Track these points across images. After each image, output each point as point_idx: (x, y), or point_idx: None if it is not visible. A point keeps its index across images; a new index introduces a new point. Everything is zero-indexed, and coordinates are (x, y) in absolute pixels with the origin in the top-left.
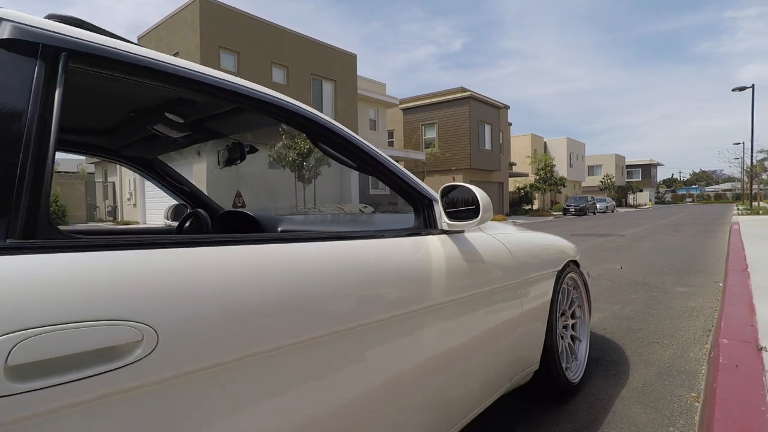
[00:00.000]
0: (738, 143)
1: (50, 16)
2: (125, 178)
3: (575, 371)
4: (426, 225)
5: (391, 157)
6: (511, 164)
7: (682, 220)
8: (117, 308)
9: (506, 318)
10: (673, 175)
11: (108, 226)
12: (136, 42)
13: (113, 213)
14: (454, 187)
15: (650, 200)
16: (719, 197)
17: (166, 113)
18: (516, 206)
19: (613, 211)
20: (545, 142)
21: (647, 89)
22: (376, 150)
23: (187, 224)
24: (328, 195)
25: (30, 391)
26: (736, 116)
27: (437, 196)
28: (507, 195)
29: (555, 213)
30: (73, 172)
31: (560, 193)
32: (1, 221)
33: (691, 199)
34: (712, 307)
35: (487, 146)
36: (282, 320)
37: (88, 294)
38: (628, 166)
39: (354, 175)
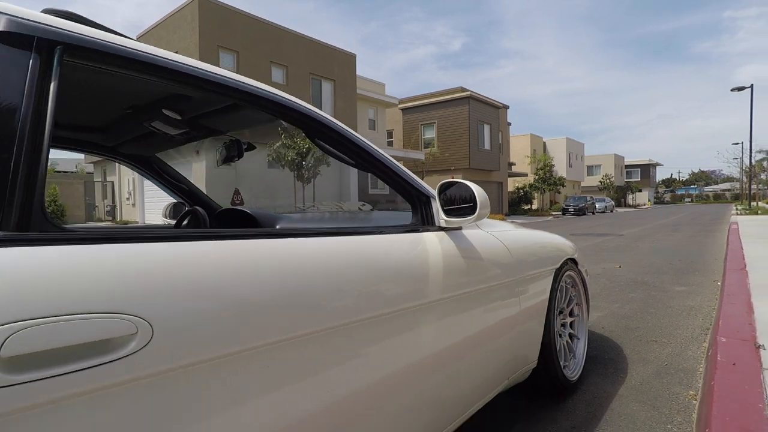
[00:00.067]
0: (737, 143)
1: (46, 11)
2: (124, 177)
3: (573, 369)
4: (423, 222)
5: (390, 157)
6: (511, 164)
7: (681, 220)
8: (111, 301)
9: (504, 315)
10: (672, 175)
11: (107, 225)
12: (133, 39)
13: (112, 213)
14: (451, 184)
15: (649, 200)
16: (718, 197)
17: (163, 110)
18: (515, 206)
19: (612, 211)
20: (544, 142)
21: (647, 89)
22: (373, 146)
23: (185, 222)
24: (328, 194)
25: (23, 383)
26: (735, 116)
27: (434, 192)
28: (506, 195)
29: (554, 213)
30: (72, 172)
31: (559, 193)
32: None
33: (690, 199)
34: (711, 305)
35: (487, 146)
36: (278, 315)
37: (82, 286)
38: (627, 166)
39: (353, 175)
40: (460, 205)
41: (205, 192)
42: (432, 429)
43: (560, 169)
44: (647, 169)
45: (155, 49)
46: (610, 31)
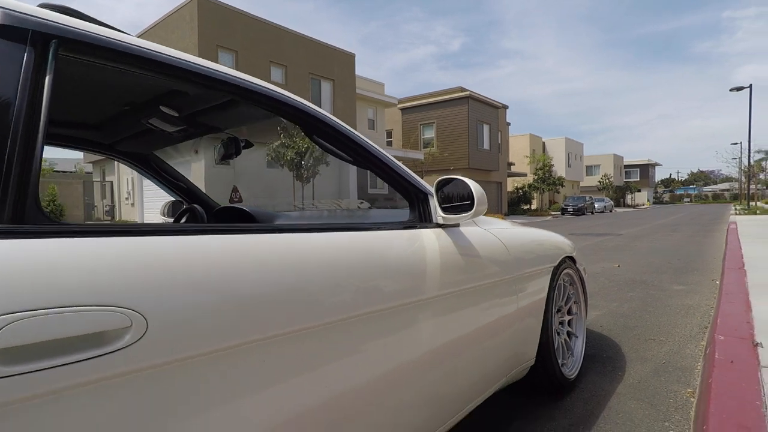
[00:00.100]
0: (735, 143)
1: (42, 5)
2: (123, 177)
3: (571, 367)
4: (421, 219)
5: (388, 154)
6: (510, 164)
7: (680, 220)
8: (104, 294)
9: (501, 313)
10: (671, 175)
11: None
12: (129, 34)
13: (111, 212)
14: (449, 181)
15: (648, 200)
16: (717, 197)
17: (160, 106)
18: (514, 206)
19: (611, 211)
20: (544, 142)
21: (646, 89)
22: (370, 143)
23: (183, 219)
24: (327, 194)
25: (17, 374)
26: (735, 116)
27: (432, 190)
28: (505, 195)
29: (553, 213)
30: (71, 172)
31: (558, 192)
32: None
33: (689, 199)
34: (709, 304)
35: (486, 146)
36: (275, 309)
37: (75, 279)
38: (626, 166)
39: (352, 174)
40: (458, 202)
41: (203, 191)
42: (430, 425)
43: (559, 169)
44: (646, 169)
45: (150, 43)
46: (610, 31)
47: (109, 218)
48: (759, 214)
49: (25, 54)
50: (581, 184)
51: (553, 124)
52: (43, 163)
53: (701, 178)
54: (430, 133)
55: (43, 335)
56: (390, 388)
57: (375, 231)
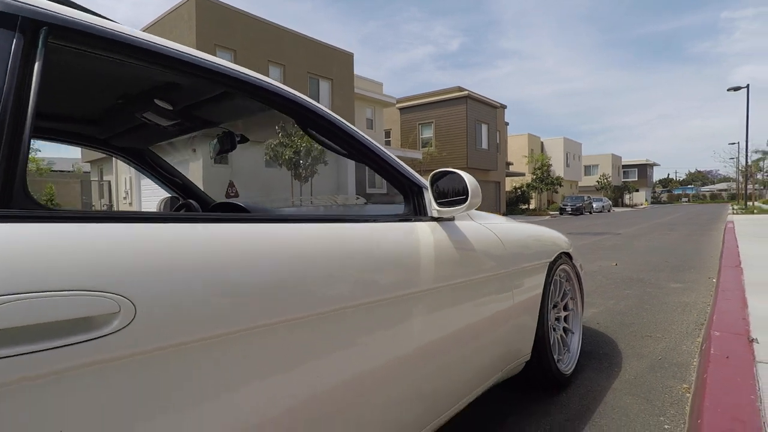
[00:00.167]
0: (733, 143)
1: None
2: (121, 176)
3: (568, 363)
4: (416, 212)
5: (382, 147)
6: (508, 164)
7: (678, 219)
8: (92, 279)
9: (496, 307)
10: (669, 175)
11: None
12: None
13: None
14: (443, 174)
15: (646, 200)
16: (715, 197)
17: (154, 100)
18: (513, 206)
19: (609, 211)
20: (542, 142)
21: (645, 89)
22: (365, 136)
23: None
24: (325, 192)
25: (3, 357)
26: (735, 116)
27: (427, 183)
28: (504, 194)
29: (552, 212)
30: (69, 171)
31: (557, 192)
32: None
33: (687, 199)
34: (706, 302)
35: (484, 146)
36: (267, 299)
37: (63, 264)
38: (624, 166)
39: (351, 173)
40: (453, 197)
41: (200, 188)
42: (423, 420)
43: (558, 169)
44: (644, 169)
45: (143, 33)
46: (609, 31)
47: None
48: (756, 213)
49: (14, 40)
50: (579, 184)
51: (552, 124)
52: (40, 162)
53: (699, 178)
54: (428, 133)
55: (28, 319)
56: (383, 381)
57: (369, 223)
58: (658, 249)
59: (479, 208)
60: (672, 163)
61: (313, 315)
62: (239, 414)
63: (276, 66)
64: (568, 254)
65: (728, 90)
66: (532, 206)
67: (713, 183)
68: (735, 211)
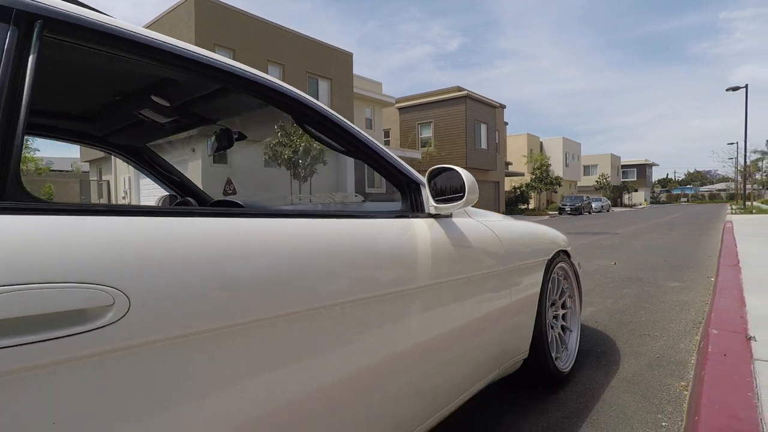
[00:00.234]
0: (732, 143)
1: None
2: (120, 176)
3: (565, 361)
4: (413, 208)
5: (379, 144)
6: (507, 164)
7: (677, 219)
8: (85, 271)
9: (494, 304)
10: (668, 175)
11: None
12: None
13: None
14: (440, 171)
15: (645, 200)
16: (714, 197)
17: (151, 96)
18: (512, 205)
19: (608, 211)
20: (541, 142)
21: (645, 90)
22: (362, 132)
23: None
24: (324, 192)
25: None
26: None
27: (424, 180)
28: (503, 194)
29: (551, 212)
30: (68, 171)
31: (556, 192)
32: None
33: (685, 199)
34: (704, 300)
35: (483, 145)
36: (263, 293)
37: (56, 256)
38: (623, 166)
39: (350, 172)
40: (450, 194)
41: (198, 186)
42: (419, 416)
43: (557, 169)
44: (643, 169)
45: (140, 28)
46: (609, 31)
47: None
48: (755, 213)
49: (9, 33)
50: (578, 184)
51: (551, 124)
52: (39, 162)
53: (698, 178)
54: (427, 133)
55: (20, 311)
56: (379, 377)
57: (366, 219)
58: (657, 248)
59: (478, 207)
60: (671, 163)
61: (308, 310)
62: (235, 408)
63: (275, 65)
64: (566, 252)
65: (727, 90)
66: (531, 206)
67: (712, 183)
68: (734, 211)
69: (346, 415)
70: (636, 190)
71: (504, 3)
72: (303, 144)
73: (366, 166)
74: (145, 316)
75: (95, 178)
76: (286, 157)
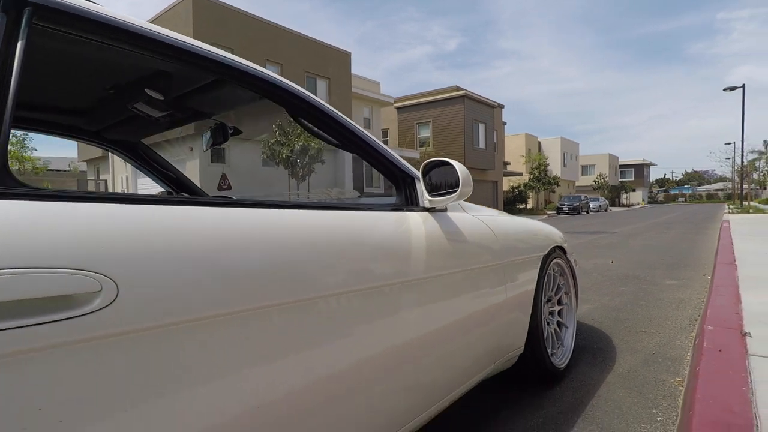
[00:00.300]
0: (729, 143)
1: None
2: (118, 175)
3: (561, 357)
4: (407, 202)
5: (374, 137)
6: (506, 163)
7: (674, 219)
8: (72, 257)
9: (488, 299)
10: (665, 175)
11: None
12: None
13: None
14: (435, 165)
15: (643, 200)
16: (711, 197)
17: (145, 89)
18: (510, 205)
19: (606, 211)
20: (539, 142)
21: (643, 90)
22: (356, 126)
23: None
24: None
25: None
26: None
27: (419, 174)
28: (501, 194)
29: (549, 212)
30: (65, 170)
31: (554, 192)
32: None
33: (683, 199)
34: (700, 298)
35: (482, 145)
36: (254, 282)
37: (42, 241)
38: (621, 166)
39: (348, 172)
40: (446, 189)
41: (195, 183)
42: (411, 412)
43: (555, 169)
44: (641, 169)
45: (133, 18)
46: (607, 31)
47: None
48: (752, 213)
49: None
50: (576, 184)
51: (549, 124)
52: (36, 161)
53: (695, 178)
54: (426, 132)
55: (4, 295)
56: (371, 369)
57: (361, 211)
58: (654, 247)
59: (475, 203)
60: (669, 163)
61: (301, 300)
62: (227, 398)
63: (273, 65)
64: (562, 249)
65: (724, 90)
66: (529, 206)
67: (709, 183)
68: (731, 211)
69: (338, 407)
70: (634, 190)
71: (503, 3)
72: (301, 143)
73: (364, 165)
74: (135, 303)
75: (93, 178)
76: (284, 156)
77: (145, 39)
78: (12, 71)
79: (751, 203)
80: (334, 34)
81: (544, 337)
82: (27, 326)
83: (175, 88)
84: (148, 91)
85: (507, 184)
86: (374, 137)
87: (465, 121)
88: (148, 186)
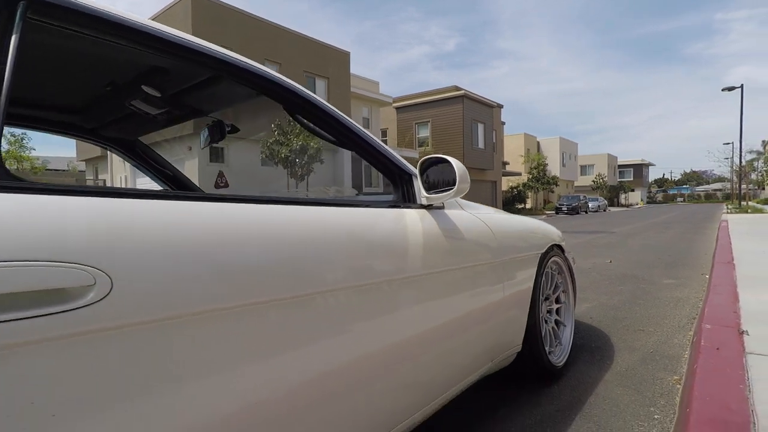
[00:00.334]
0: (728, 143)
1: None
2: (116, 175)
3: (559, 355)
4: (405, 199)
5: (371, 135)
6: (505, 163)
7: (673, 218)
8: (65, 251)
9: (486, 297)
10: (664, 175)
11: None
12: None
13: None
14: (432, 162)
15: (642, 200)
16: (709, 197)
17: (142, 86)
18: (509, 205)
19: (605, 210)
20: (538, 142)
21: (642, 90)
22: (353, 123)
23: None
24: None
25: None
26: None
27: (416, 171)
28: (500, 194)
29: (548, 212)
30: (64, 170)
31: (553, 192)
32: None
33: (682, 199)
34: (698, 297)
35: (480, 145)
36: (250, 278)
37: (34, 234)
38: (620, 166)
39: (347, 171)
40: (443, 187)
41: (193, 181)
42: (407, 410)
43: (554, 169)
44: (640, 169)
45: (130, 13)
46: (606, 32)
47: None
48: (750, 212)
49: None
50: (575, 184)
51: (548, 124)
52: (35, 161)
53: (694, 178)
54: (425, 132)
55: None
56: (370, 366)
57: (358, 207)
58: (653, 247)
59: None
60: (667, 163)
61: (297, 296)
62: (222, 394)
63: (272, 64)
64: (560, 247)
65: (723, 90)
66: (528, 206)
67: (708, 183)
68: (729, 211)
69: (335, 403)
70: (633, 190)
71: (502, 3)
72: (300, 142)
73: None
74: (129, 298)
75: (91, 177)
76: (282, 155)
77: (142, 34)
78: (6, 66)
79: (750, 203)
80: (333, 34)
81: (542, 335)
82: (19, 319)
83: (172, 85)
84: (144, 87)
85: (506, 183)
86: (372, 135)
87: (464, 121)
88: (147, 185)
